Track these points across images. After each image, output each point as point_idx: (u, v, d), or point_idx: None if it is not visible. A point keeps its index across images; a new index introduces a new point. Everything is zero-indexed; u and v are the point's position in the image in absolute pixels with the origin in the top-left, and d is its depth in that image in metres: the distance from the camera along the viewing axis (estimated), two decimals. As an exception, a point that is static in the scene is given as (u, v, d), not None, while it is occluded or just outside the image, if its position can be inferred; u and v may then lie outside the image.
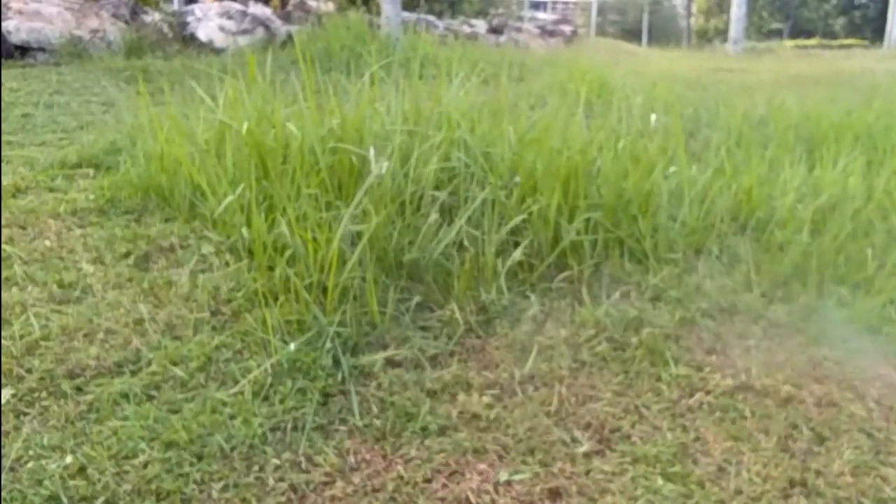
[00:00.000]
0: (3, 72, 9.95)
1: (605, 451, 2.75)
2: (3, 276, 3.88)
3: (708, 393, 3.09)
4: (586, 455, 2.73)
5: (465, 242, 4.13)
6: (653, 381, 3.16)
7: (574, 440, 2.81)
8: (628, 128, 5.72)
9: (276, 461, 2.66)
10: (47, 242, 4.35)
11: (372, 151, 4.24)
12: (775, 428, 2.91)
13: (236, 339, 3.41)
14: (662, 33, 42.31)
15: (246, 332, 3.45)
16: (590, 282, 4.02)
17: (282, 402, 2.98)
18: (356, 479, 2.62)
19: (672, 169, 4.97)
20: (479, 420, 2.90)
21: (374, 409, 2.95)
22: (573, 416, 2.95)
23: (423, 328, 3.58)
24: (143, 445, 2.65)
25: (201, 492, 2.55)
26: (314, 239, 3.68)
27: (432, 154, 4.42)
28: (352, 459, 2.68)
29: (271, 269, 3.99)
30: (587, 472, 2.65)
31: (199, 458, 2.64)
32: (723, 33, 36.02)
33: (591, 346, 3.41)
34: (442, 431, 2.84)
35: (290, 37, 14.36)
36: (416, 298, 3.78)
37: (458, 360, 3.31)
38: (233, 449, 2.70)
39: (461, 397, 3.02)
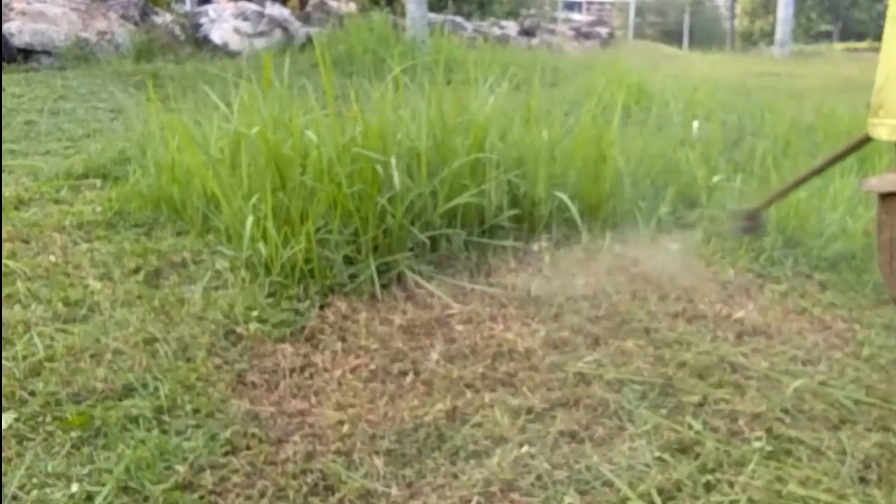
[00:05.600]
0: (4, 76, 10.01)
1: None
2: (4, 294, 3.89)
3: (756, 417, 3.07)
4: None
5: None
6: (694, 406, 3.15)
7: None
8: (668, 136, 5.72)
9: (294, 483, 2.65)
10: (52, 257, 4.37)
11: (394, 161, 4.24)
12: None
13: (252, 360, 3.41)
14: (704, 35, 42.21)
15: (263, 354, 3.46)
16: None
17: (300, 427, 2.98)
18: (382, 502, 2.62)
19: (716, 178, 4.97)
20: (508, 442, 2.89)
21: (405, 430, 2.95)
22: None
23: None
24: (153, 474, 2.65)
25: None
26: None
27: (462, 170, 4.45)
28: (377, 485, 2.67)
29: (288, 286, 4.01)
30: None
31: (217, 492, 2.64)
32: (769, 35, 35.91)
33: (630, 369, 3.39)
34: (473, 455, 2.83)
35: (309, 39, 14.43)
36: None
37: (488, 386, 3.30)
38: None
39: (490, 419, 3.01)
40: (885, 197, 2.28)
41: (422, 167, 4.46)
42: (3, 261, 4.22)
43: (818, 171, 3.76)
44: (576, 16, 37.82)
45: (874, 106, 2.23)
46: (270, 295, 3.97)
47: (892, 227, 2.26)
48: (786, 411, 3.11)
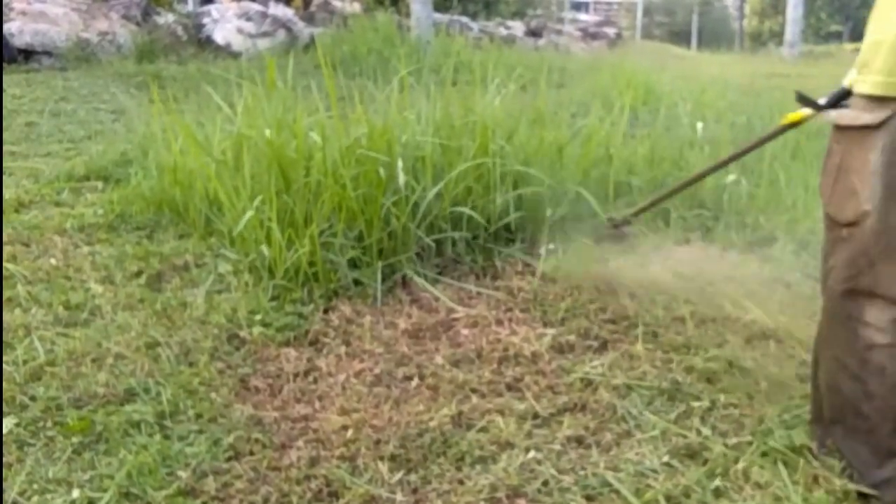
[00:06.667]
0: (5, 77, 10.02)
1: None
2: (5, 297, 3.90)
3: (762, 420, 3.06)
4: None
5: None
6: (703, 411, 3.14)
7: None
8: (676, 137, 5.72)
9: (298, 489, 2.65)
10: (53, 261, 4.37)
11: (400, 164, 4.25)
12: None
13: (255, 365, 3.41)
14: (713, 36, 42.17)
15: (266, 359, 3.47)
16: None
17: (304, 433, 2.98)
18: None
19: (730, 178, 4.99)
20: (515, 448, 2.89)
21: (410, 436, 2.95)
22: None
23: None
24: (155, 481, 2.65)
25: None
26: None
27: (468, 173, 4.45)
28: (382, 490, 2.67)
29: (291, 289, 4.01)
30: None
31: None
32: (778, 36, 35.89)
33: (637, 373, 3.39)
34: (479, 460, 2.83)
35: (313, 40, 14.43)
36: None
37: (494, 391, 3.30)
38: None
39: (496, 424, 3.01)
40: (840, 128, 2.50)
41: (427, 169, 4.46)
42: (4, 264, 4.22)
43: (715, 170, 4.33)
44: (583, 16, 37.81)
45: (860, 64, 2.44)
46: (274, 298, 3.97)
47: (840, 154, 2.55)
48: (796, 416, 3.10)
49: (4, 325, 3.61)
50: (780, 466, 2.77)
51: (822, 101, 3.12)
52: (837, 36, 47.61)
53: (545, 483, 2.71)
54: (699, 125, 6.31)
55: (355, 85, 5.22)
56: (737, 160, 4.36)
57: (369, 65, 10.70)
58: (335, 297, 4.05)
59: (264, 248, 4.11)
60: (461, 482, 2.70)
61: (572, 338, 3.69)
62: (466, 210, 4.46)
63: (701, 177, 4.48)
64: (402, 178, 4.22)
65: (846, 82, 3.01)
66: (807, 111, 3.45)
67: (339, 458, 2.81)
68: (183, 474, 2.67)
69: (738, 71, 15.64)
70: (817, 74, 15.97)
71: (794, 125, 3.66)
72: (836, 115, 2.60)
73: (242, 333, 3.65)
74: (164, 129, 5.40)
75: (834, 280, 2.58)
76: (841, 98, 3.06)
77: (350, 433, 2.95)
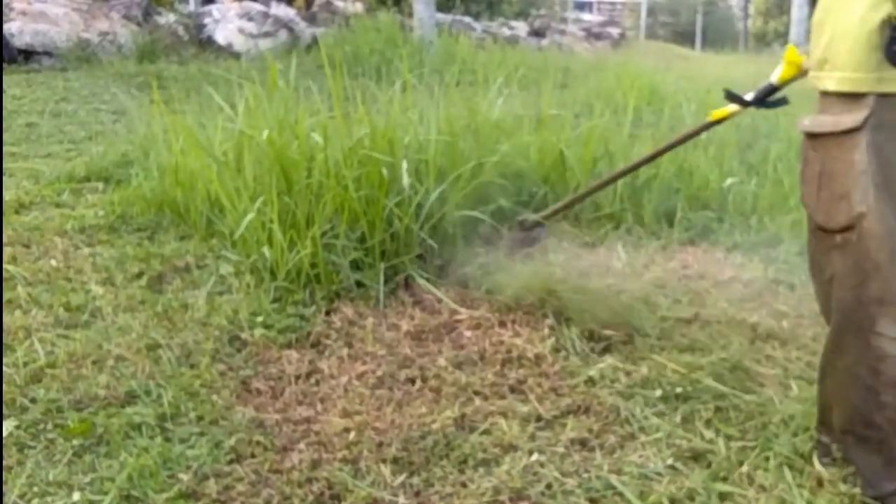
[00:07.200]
0: (5, 78, 10.01)
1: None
2: (5, 299, 3.89)
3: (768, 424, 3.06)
4: None
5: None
6: (707, 414, 3.14)
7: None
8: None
9: (300, 492, 2.65)
10: (53, 262, 4.37)
11: (404, 165, 4.24)
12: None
13: (257, 367, 3.41)
14: (717, 36, 42.08)
15: (268, 361, 3.47)
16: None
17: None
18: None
19: (729, 181, 4.98)
20: (518, 450, 2.89)
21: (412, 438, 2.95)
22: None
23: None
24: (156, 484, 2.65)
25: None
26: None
27: (471, 174, 4.45)
28: (384, 493, 2.67)
29: (293, 291, 4.00)
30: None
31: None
32: (783, 36, 35.79)
33: (641, 375, 3.39)
34: (482, 463, 2.83)
35: (315, 40, 14.41)
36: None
37: (497, 393, 3.30)
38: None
39: (499, 427, 3.01)
40: (815, 136, 2.50)
41: (430, 170, 4.46)
42: (4, 265, 4.22)
43: (633, 169, 4.53)
44: (586, 16, 37.75)
45: (818, 61, 2.42)
46: (276, 300, 3.97)
47: (821, 162, 2.56)
48: (801, 420, 3.10)
49: (5, 326, 3.61)
50: (785, 470, 2.77)
51: (748, 96, 3.33)
52: (842, 36, 47.35)
53: (548, 486, 2.71)
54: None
55: (358, 85, 5.21)
56: (658, 157, 4.46)
57: (372, 65, 10.68)
58: (337, 299, 4.05)
59: (266, 250, 4.11)
60: (464, 485, 2.70)
61: (575, 340, 3.68)
62: (471, 213, 4.47)
63: (617, 177, 4.58)
64: (406, 180, 4.22)
65: (774, 78, 3.18)
66: (733, 107, 3.63)
67: (341, 461, 2.81)
68: (184, 477, 2.67)
69: (743, 71, 15.62)
70: (822, 75, 15.93)
71: (719, 122, 3.84)
72: (808, 124, 2.60)
73: (244, 335, 3.65)
74: (166, 129, 5.40)
75: (840, 289, 2.56)
76: (768, 94, 3.22)
77: (352, 436, 2.95)
